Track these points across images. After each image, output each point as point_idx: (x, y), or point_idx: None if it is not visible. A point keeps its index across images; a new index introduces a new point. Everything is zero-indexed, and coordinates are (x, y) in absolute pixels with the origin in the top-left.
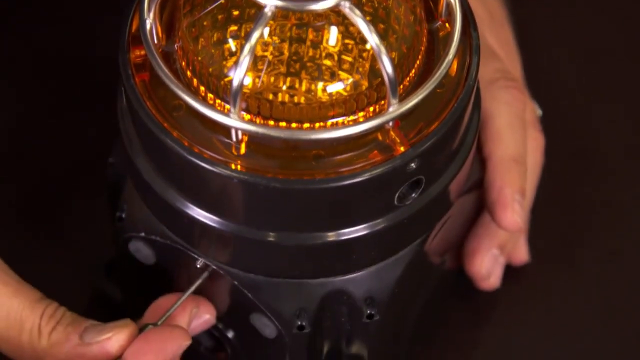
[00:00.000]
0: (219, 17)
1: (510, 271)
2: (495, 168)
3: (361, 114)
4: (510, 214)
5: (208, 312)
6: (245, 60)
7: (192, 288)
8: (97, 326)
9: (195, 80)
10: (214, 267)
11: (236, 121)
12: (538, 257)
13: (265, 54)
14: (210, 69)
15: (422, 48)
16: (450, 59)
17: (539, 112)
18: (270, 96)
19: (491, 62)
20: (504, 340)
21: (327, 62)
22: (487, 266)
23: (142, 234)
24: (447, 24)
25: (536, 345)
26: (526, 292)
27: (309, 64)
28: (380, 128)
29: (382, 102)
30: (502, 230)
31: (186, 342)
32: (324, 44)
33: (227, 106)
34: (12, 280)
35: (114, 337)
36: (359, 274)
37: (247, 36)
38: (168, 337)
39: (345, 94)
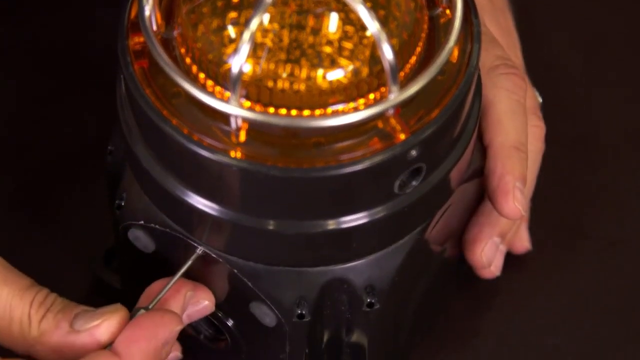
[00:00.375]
0: (219, 3)
1: (510, 259)
2: (496, 155)
3: (361, 101)
4: (512, 201)
5: (206, 298)
6: (244, 47)
7: (183, 270)
8: (88, 312)
9: (194, 67)
10: (214, 256)
11: (235, 108)
12: (538, 246)
13: (265, 40)
14: (210, 56)
15: (423, 35)
16: (451, 46)
17: (539, 99)
18: (270, 83)
19: (491, 49)
20: (504, 329)
21: (327, 49)
22: (488, 254)
23: (142, 222)
24: (447, 11)
25: (536, 333)
26: (526, 281)
27: (309, 51)
28: (380, 115)
29: (383, 89)
30: (503, 217)
31: (178, 327)
32: (324, 30)
33: (227, 93)
34: (1, 267)
35: (104, 324)
36: (359, 262)
37: (247, 23)
38: (159, 322)
39: (345, 81)
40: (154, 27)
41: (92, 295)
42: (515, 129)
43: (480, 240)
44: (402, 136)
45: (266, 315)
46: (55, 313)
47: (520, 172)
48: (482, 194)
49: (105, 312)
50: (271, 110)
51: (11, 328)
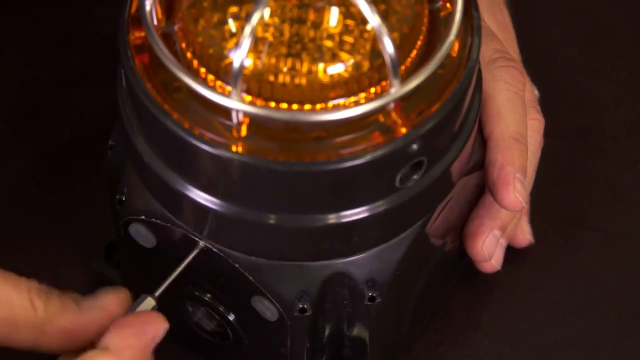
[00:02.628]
0: None
1: (510, 252)
2: (496, 147)
3: (362, 95)
4: (512, 192)
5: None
6: (245, 41)
7: (184, 264)
8: (91, 295)
9: (195, 62)
10: (215, 250)
11: (237, 103)
12: (539, 238)
13: (266, 35)
14: (211, 51)
15: (424, 29)
16: (451, 40)
17: (537, 93)
18: (271, 77)
19: (490, 43)
20: (504, 322)
21: (328, 43)
22: (489, 247)
23: (143, 217)
24: (448, 4)
25: (537, 326)
26: (527, 273)
27: (309, 45)
28: (381, 109)
29: (384, 83)
30: (504, 209)
31: (164, 325)
32: (325, 24)
33: (228, 88)
34: None
35: (115, 298)
36: (360, 256)
37: (248, 17)
38: (146, 320)
39: (346, 75)
40: (155, 22)
41: (93, 290)
42: (515, 120)
43: (481, 233)
44: (403, 130)
45: (267, 310)
46: (58, 297)
47: (520, 163)
48: (482, 187)
49: (111, 290)
50: (272, 104)
51: (15, 315)
